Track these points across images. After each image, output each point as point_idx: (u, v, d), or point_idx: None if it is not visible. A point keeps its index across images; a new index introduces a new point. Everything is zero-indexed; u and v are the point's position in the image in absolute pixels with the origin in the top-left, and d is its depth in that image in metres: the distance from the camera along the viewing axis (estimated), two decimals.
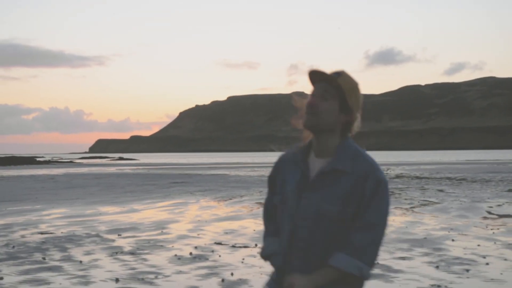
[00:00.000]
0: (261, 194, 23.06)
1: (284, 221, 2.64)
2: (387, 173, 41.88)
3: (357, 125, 2.68)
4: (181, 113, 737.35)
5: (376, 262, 2.52)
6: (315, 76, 2.62)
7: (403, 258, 9.11)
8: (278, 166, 2.79)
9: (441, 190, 24.32)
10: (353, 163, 2.53)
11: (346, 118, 2.60)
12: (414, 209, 16.65)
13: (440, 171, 45.10)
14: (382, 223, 2.50)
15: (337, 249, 2.49)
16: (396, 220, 14.17)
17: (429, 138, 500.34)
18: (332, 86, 2.56)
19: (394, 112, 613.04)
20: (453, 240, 10.89)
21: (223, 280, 7.61)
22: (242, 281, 7.60)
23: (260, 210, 16.83)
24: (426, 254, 9.44)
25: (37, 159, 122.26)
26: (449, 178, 33.99)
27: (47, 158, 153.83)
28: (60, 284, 7.51)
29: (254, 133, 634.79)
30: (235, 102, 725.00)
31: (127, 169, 60.77)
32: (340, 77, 2.56)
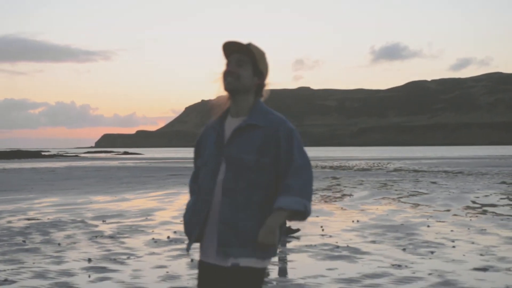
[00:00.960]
0: None
1: (205, 179, 2.93)
2: (386, 167, 42.03)
3: (266, 91, 3.04)
4: (187, 108, 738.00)
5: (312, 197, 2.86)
6: (228, 49, 2.96)
7: (373, 242, 9.31)
8: (202, 134, 3.10)
9: (434, 182, 24.48)
10: (265, 118, 2.90)
11: (259, 82, 2.96)
12: (401, 199, 16.83)
13: (440, 165, 45.20)
14: (307, 163, 2.87)
15: (266, 193, 2.83)
16: (379, 209, 14.36)
17: (434, 133, 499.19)
18: (244, 54, 2.91)
19: (399, 108, 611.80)
20: (428, 226, 11.09)
21: (192, 261, 7.81)
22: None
23: None
24: (398, 238, 9.63)
25: (43, 153, 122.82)
26: (445, 172, 34.12)
27: (53, 152, 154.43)
28: (33, 263, 7.73)
29: None
30: None
31: (129, 163, 61.08)
32: (249, 47, 2.91)
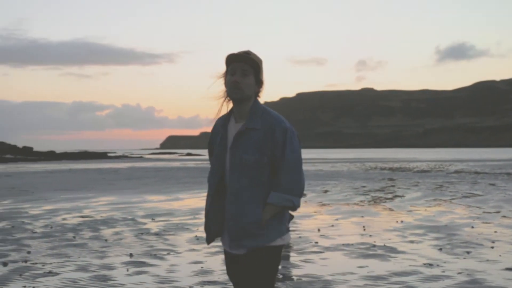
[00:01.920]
0: (310, 186, 23.38)
1: (213, 173, 3.29)
2: (447, 169, 41.36)
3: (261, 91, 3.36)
4: None
5: (303, 192, 3.20)
6: (231, 58, 3.24)
7: (412, 242, 9.34)
8: (212, 134, 3.43)
9: (492, 184, 24.02)
10: (262, 119, 3.19)
11: (259, 89, 3.28)
12: (453, 201, 16.65)
13: (504, 167, 44.11)
14: (298, 162, 3.19)
15: (268, 189, 3.17)
16: (428, 210, 14.28)
17: (504, 135, 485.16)
18: (247, 64, 3.20)
19: (467, 108, 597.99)
20: (472, 227, 11.00)
21: None
22: None
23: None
24: (437, 239, 9.63)
25: (109, 154, 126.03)
26: (508, 174, 33.32)
27: (119, 153, 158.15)
28: (79, 257, 8.14)
29: (322, 130, 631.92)
30: (303, 99, 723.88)
31: (191, 164, 62.04)
32: (251, 55, 3.20)
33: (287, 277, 6.87)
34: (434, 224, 11.52)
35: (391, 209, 14.47)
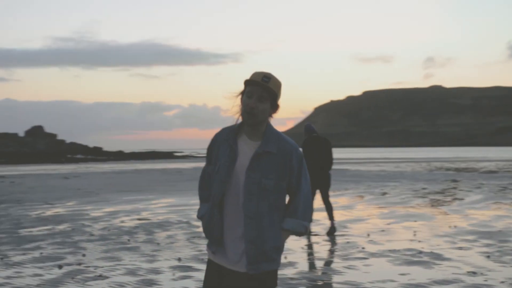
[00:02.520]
0: (369, 188, 23.27)
1: (216, 186, 3.30)
2: None
3: (272, 115, 3.41)
4: (316, 109, 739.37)
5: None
6: (251, 81, 3.30)
7: (460, 248, 9.26)
8: (214, 141, 3.42)
9: None
10: (278, 144, 3.28)
11: (274, 112, 3.35)
12: None
13: None
14: (310, 189, 3.37)
15: (284, 215, 3.31)
16: (485, 214, 14.04)
17: None
18: (266, 91, 3.26)
19: None
20: None
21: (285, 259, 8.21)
22: (291, 264, 8.17)
23: (355, 203, 17.19)
24: (487, 245, 9.50)
25: (175, 154, 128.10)
26: None
27: (186, 153, 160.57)
28: (129, 261, 8.46)
29: (390, 129, 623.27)
30: (370, 97, 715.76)
31: None
32: (270, 81, 3.25)
33: (327, 284, 6.97)
34: (487, 229, 11.35)
35: (446, 213, 14.29)
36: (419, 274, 7.42)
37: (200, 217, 3.46)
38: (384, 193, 20.65)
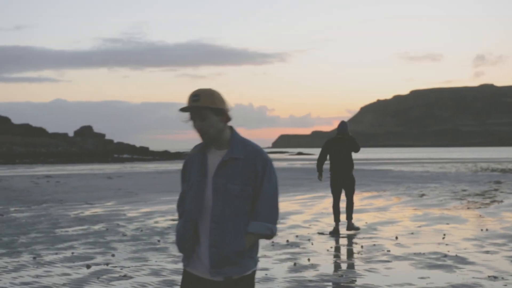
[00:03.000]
0: (408, 189, 23.11)
1: (190, 201, 3.41)
2: None
3: (230, 115, 3.44)
4: (362, 108, 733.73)
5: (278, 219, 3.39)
6: (183, 109, 3.39)
7: (487, 252, 9.18)
8: (187, 162, 3.55)
9: None
10: (244, 150, 3.37)
11: (224, 117, 3.39)
12: None
13: None
14: (275, 191, 3.39)
15: (249, 219, 3.34)
16: None
17: None
18: (198, 109, 3.32)
19: None
20: None
21: (295, 264, 8.32)
22: (313, 266, 8.26)
23: (391, 205, 17.12)
24: None
25: None
26: None
27: None
28: (155, 261, 8.68)
29: (438, 128, 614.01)
30: (418, 96, 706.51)
31: (298, 164, 62.56)
32: (199, 100, 3.31)
33: (343, 287, 7.03)
34: None
35: (481, 216, 14.13)
36: (438, 278, 7.41)
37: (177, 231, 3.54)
38: (422, 195, 20.47)
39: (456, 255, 8.89)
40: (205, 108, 3.32)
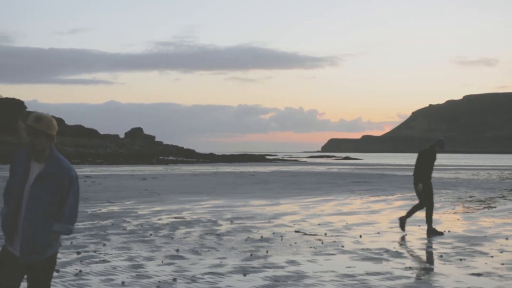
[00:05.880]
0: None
1: (12, 197, 4.62)
2: None
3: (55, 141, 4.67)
4: (413, 113, 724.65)
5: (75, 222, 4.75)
6: (25, 127, 4.69)
7: (426, 249, 10.39)
8: (15, 159, 4.72)
9: None
10: (57, 166, 4.60)
11: (52, 141, 4.65)
12: None
13: None
14: (76, 202, 4.68)
15: (54, 220, 4.61)
16: (488, 221, 14.84)
17: None
18: (36, 130, 4.55)
19: None
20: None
21: (251, 255, 9.72)
22: (265, 257, 9.64)
23: (387, 208, 18.28)
24: (452, 247, 10.57)
25: (267, 157, 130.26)
26: None
27: (279, 156, 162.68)
28: (136, 250, 10.22)
29: (493, 134, 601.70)
30: (471, 101, 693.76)
31: (335, 168, 63.54)
32: (40, 123, 4.54)
33: (274, 274, 8.41)
34: (472, 234, 12.33)
35: (458, 220, 15.24)
36: (362, 267, 8.72)
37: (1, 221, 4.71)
38: None
39: (396, 251, 10.18)
40: (41, 131, 4.55)
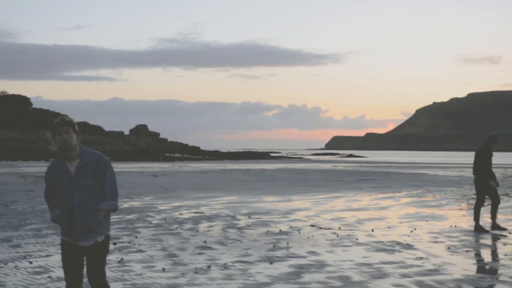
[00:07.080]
0: (423, 192, 24.89)
1: (63, 200, 5.07)
2: None
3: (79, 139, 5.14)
4: (417, 110, 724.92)
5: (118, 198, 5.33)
6: (54, 125, 5.06)
7: (434, 242, 11.24)
8: (50, 170, 5.17)
9: None
10: (91, 157, 5.08)
11: (79, 137, 5.12)
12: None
13: None
14: (114, 180, 5.13)
15: (99, 201, 5.07)
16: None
17: None
18: (65, 124, 5.02)
19: None
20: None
21: (274, 246, 10.57)
22: (287, 248, 10.49)
23: (395, 204, 19.11)
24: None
25: (271, 154, 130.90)
26: None
27: (283, 153, 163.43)
28: (167, 241, 11.09)
29: (496, 132, 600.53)
30: (475, 99, 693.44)
31: (340, 166, 64.32)
32: (66, 121, 5.02)
33: (298, 262, 9.26)
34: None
35: (464, 216, 16.07)
36: (377, 257, 9.58)
37: (54, 219, 5.20)
38: (431, 197, 22.33)
39: (407, 243, 11.02)
40: (69, 125, 5.03)
